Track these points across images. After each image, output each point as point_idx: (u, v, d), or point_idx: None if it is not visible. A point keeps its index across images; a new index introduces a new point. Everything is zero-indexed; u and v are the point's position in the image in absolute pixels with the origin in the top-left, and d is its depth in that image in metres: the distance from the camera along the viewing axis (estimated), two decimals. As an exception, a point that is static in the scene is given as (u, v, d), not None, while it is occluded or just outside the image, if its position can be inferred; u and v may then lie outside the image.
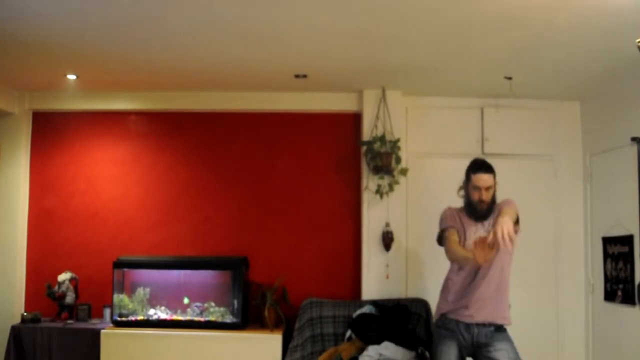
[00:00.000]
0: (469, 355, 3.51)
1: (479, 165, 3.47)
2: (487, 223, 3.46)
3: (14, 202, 5.24)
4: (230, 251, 5.18)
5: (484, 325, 3.39)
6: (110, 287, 4.88)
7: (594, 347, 4.95)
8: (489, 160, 3.58)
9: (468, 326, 3.41)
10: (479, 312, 3.39)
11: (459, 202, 3.63)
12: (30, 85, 5.17)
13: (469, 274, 3.45)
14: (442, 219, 3.60)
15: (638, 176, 4.29)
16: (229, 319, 4.92)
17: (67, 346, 4.66)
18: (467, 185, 3.50)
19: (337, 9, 3.41)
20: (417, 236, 5.02)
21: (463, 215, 3.54)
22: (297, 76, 4.76)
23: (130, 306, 4.92)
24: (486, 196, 3.42)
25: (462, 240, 3.46)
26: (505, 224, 2.99)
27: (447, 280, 3.60)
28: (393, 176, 4.91)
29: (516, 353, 3.36)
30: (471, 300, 3.40)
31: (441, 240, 3.60)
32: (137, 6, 3.41)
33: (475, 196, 3.44)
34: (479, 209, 3.45)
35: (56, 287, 4.96)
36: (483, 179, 3.41)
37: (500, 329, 3.41)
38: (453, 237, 3.46)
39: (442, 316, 3.55)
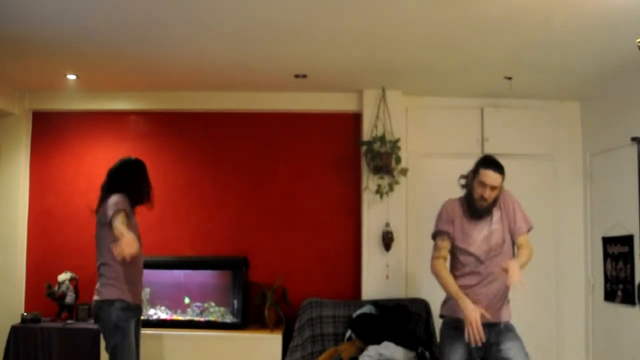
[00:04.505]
0: (481, 356, 3.39)
1: (491, 162, 3.34)
2: (490, 221, 3.37)
3: (14, 202, 5.25)
4: (230, 251, 5.18)
5: (494, 324, 3.30)
6: (111, 287, 4.88)
7: (594, 347, 4.95)
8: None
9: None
10: (489, 312, 3.25)
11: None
12: (30, 85, 5.17)
13: (476, 276, 3.37)
14: (439, 217, 3.50)
15: (638, 176, 4.29)
16: (229, 319, 4.93)
17: (67, 346, 4.66)
18: (473, 178, 3.35)
19: (337, 9, 3.41)
20: (417, 236, 5.01)
21: (464, 212, 3.41)
22: (297, 76, 4.76)
23: (131, 306, 4.92)
24: (489, 195, 3.30)
25: (462, 242, 3.37)
26: (516, 274, 3.17)
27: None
28: (393, 176, 4.91)
29: (526, 351, 3.30)
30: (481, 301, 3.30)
31: (435, 237, 3.53)
32: (136, 6, 3.41)
33: (478, 192, 3.31)
34: (478, 206, 3.33)
35: (56, 287, 4.96)
36: (492, 176, 3.28)
37: (509, 326, 3.35)
38: (442, 262, 3.43)
39: (449, 317, 3.44)
